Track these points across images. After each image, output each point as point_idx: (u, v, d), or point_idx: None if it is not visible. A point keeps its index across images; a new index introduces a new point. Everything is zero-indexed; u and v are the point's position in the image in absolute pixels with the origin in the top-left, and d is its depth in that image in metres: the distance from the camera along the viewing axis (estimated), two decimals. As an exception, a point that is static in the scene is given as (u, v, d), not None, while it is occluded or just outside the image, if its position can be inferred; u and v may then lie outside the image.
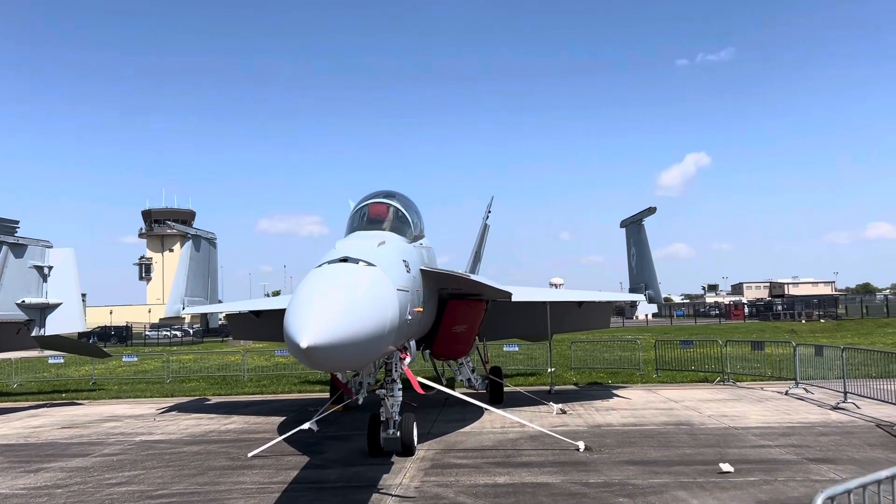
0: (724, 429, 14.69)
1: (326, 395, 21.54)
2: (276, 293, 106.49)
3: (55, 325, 22.11)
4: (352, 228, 12.29)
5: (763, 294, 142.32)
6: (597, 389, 22.49)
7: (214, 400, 23.25)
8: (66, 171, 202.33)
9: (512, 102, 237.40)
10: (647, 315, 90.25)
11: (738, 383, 22.60)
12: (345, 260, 8.79)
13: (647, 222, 20.34)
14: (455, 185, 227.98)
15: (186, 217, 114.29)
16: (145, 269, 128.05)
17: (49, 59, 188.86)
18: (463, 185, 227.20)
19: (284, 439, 14.19)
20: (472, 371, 19.40)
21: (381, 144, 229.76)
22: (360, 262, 8.79)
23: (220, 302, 22.84)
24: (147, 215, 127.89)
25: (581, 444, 12.83)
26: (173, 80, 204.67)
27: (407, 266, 10.71)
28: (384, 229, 12.06)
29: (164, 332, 79.48)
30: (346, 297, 7.80)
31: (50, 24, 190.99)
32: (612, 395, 20.65)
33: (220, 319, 23.50)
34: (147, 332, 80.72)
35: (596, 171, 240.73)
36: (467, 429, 15.64)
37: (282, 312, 20.34)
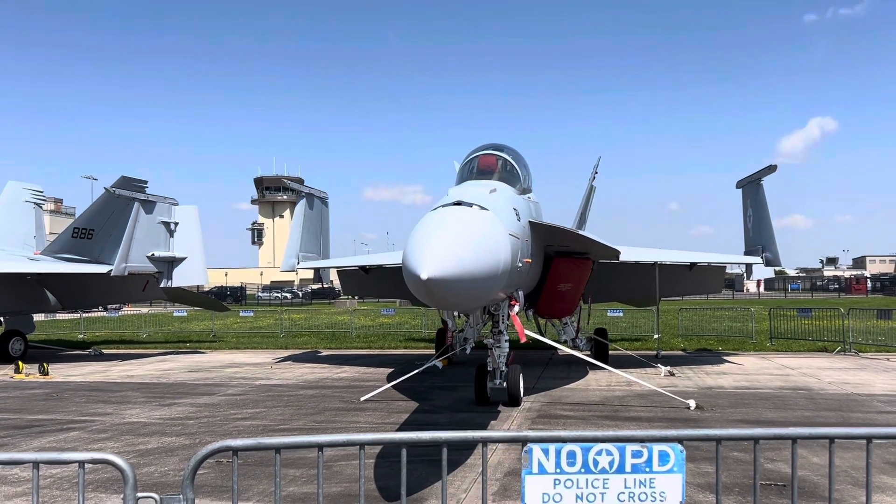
0: (847, 395, 13.98)
1: (430, 351, 22.04)
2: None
3: (181, 278, 23.67)
4: (462, 179, 12.41)
5: (888, 268, 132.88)
6: (706, 355, 21.85)
7: (326, 352, 24.27)
8: (185, 142, 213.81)
9: (620, 60, 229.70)
10: (759, 287, 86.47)
11: (860, 354, 21.36)
12: (458, 204, 8.92)
13: (766, 187, 19.41)
14: (560, 156, 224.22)
15: (286, 184, 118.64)
16: (257, 234, 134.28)
17: (169, 41, 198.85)
18: (567, 156, 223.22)
19: (393, 387, 14.68)
20: (577, 331, 19.28)
21: (481, 115, 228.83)
22: (474, 206, 8.89)
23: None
24: (259, 183, 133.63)
25: (692, 403, 12.57)
26: (284, 58, 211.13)
27: (517, 214, 10.73)
28: (494, 180, 12.10)
29: (276, 294, 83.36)
30: (463, 236, 7.94)
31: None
32: (722, 361, 20.03)
33: (330, 280, 24.35)
34: (259, 294, 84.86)
35: (708, 138, 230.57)
36: (572, 385, 15.64)
37: (388, 269, 20.94)
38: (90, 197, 75.71)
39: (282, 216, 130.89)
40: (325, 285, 26.82)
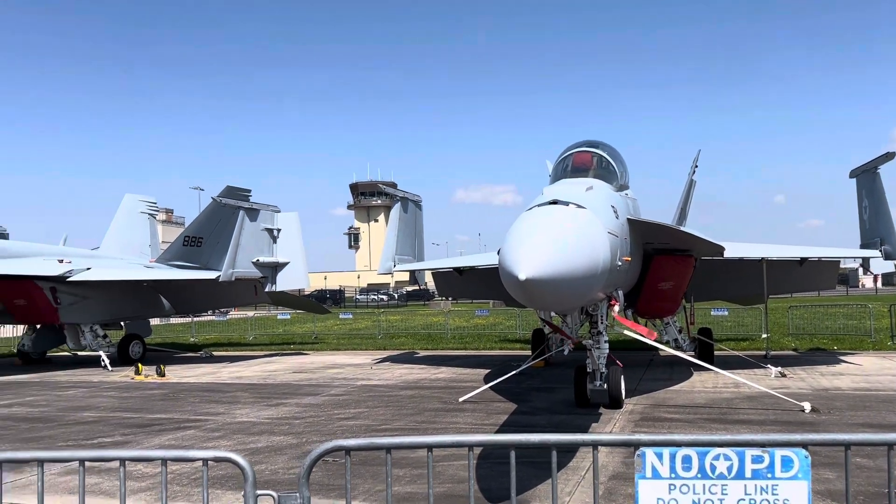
0: (984, 398, 12.88)
1: (526, 352, 21.93)
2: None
3: (284, 282, 24.55)
4: (556, 177, 12.25)
5: None
6: (820, 355, 20.68)
7: (422, 353, 24.57)
8: (284, 151, 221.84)
9: (719, 49, 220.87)
10: (876, 283, 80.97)
11: None
12: (555, 202, 8.81)
13: (883, 176, 18.15)
14: (657, 150, 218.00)
15: (382, 189, 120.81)
16: (354, 239, 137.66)
17: (263, 52, 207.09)
18: (665, 150, 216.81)
19: (491, 388, 14.67)
20: (679, 331, 18.67)
21: (573, 113, 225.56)
22: (571, 205, 8.75)
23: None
24: (354, 188, 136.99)
25: (806, 405, 11.91)
26: (375, 63, 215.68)
27: (615, 212, 10.50)
28: (590, 177, 11.89)
29: (372, 296, 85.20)
30: (561, 236, 7.83)
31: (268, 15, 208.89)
32: (838, 361, 18.90)
33: (425, 281, 24.68)
34: (357, 296, 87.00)
35: (816, 126, 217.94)
36: (676, 387, 15.15)
37: (481, 270, 20.92)
38: (198, 207, 79.84)
39: (376, 220, 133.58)
40: (421, 287, 27.16)
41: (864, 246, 18.63)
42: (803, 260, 18.73)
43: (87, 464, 3.59)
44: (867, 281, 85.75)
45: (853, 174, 19.57)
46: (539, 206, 8.87)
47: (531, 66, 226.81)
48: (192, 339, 32.73)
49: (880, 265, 18.01)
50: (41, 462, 3.59)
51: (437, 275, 23.51)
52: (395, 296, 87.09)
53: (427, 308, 63.19)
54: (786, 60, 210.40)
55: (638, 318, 18.64)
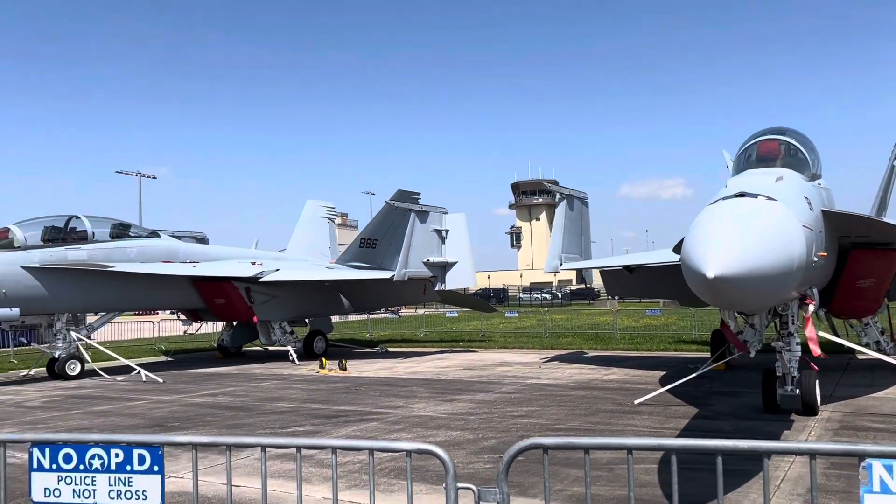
0: None
1: (703, 354, 20.87)
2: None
3: (453, 281, 25.17)
4: (739, 168, 11.54)
5: None
6: None
7: (591, 353, 24.16)
8: (445, 152, 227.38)
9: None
10: None
11: None
12: (742, 195, 8.31)
13: None
14: (847, 136, 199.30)
15: (546, 187, 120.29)
16: (516, 238, 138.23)
17: (427, 63, 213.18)
18: (857, 136, 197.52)
19: (668, 391, 14.12)
20: (882, 333, 16.93)
21: (749, 98, 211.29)
22: (760, 197, 8.21)
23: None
24: (515, 188, 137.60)
25: None
26: (535, 63, 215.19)
27: (809, 203, 9.71)
28: (778, 167, 11.08)
29: (536, 295, 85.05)
30: (751, 230, 7.37)
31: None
32: None
33: (591, 280, 24.24)
34: (520, 295, 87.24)
35: None
36: (879, 394, 13.78)
37: (652, 268, 20.16)
38: (369, 210, 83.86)
39: (538, 219, 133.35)
40: (587, 286, 26.67)
41: None
42: None
43: (277, 451, 3.90)
44: None
45: None
46: (724, 199, 8.41)
47: (701, 55, 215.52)
48: (368, 336, 34.44)
49: None
50: (264, 447, 3.94)
51: (606, 273, 22.97)
52: (559, 295, 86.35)
53: (592, 307, 62.07)
54: None
55: (831, 319, 17.20)
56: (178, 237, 24.71)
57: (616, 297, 56.16)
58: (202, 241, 26.43)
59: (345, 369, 20.32)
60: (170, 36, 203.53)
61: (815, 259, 9.43)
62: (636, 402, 13.40)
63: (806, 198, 9.80)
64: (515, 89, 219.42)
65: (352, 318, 43.23)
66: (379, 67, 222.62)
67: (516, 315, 39.06)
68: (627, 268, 21.34)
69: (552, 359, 22.58)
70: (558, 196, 22.68)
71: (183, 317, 26.23)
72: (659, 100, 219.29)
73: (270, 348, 26.49)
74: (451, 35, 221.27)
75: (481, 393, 15.50)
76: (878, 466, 3.21)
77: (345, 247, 29.40)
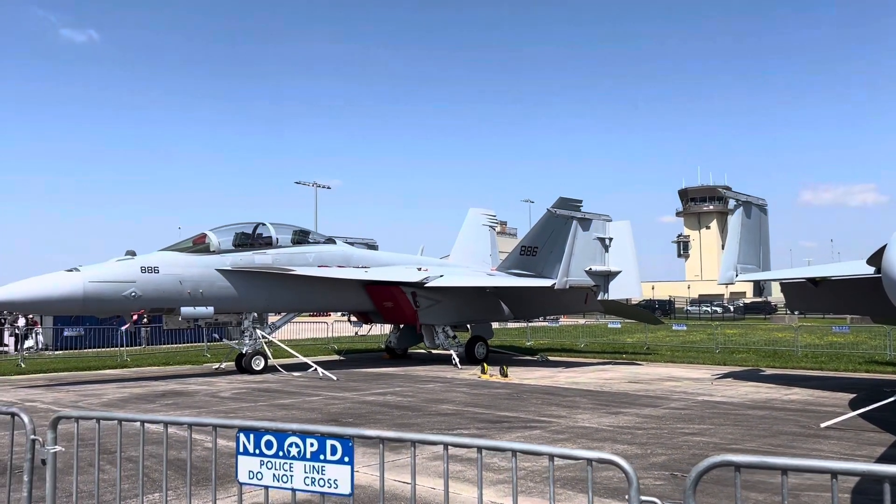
0: None
1: (902, 377, 18.85)
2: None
3: (616, 291, 24.58)
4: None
5: None
6: None
7: (769, 371, 22.58)
8: (609, 158, 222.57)
9: None
10: None
11: None
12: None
13: None
14: None
15: (720, 193, 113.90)
16: (683, 247, 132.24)
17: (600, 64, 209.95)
18: None
19: (860, 415, 12.91)
20: None
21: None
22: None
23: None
24: (683, 194, 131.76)
25: None
26: (700, 62, 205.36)
27: None
28: None
29: (705, 308, 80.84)
30: (970, 240, 6.57)
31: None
32: None
33: (769, 293, 22.65)
34: (688, 307, 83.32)
35: None
36: None
37: (839, 281, 18.56)
38: (528, 218, 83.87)
39: (708, 227, 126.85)
40: (765, 299, 24.93)
41: None
42: None
43: (450, 450, 4.01)
44: None
45: None
46: (934, 206, 7.57)
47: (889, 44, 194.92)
48: (527, 343, 34.45)
49: None
50: (446, 445, 4.07)
51: (787, 286, 21.36)
52: (731, 308, 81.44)
53: (769, 322, 57.98)
54: None
55: None
56: (352, 243, 26.14)
57: (797, 312, 52.09)
58: (372, 247, 27.79)
59: (506, 375, 20.46)
60: (328, 42, 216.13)
61: None
62: (822, 425, 12.36)
63: None
64: (680, 90, 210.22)
65: (511, 325, 43.43)
66: (537, 71, 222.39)
67: (684, 328, 37.29)
68: (812, 280, 19.71)
69: (725, 375, 21.37)
70: (733, 203, 21.46)
71: (354, 318, 27.68)
72: (844, 97, 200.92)
73: (434, 351, 27.27)
74: (610, 35, 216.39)
75: (648, 407, 14.99)
76: None
77: (504, 254, 29.66)
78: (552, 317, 37.81)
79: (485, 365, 21.75)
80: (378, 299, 24.21)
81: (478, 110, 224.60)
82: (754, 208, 21.17)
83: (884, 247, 7.40)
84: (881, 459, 10.02)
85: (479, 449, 3.91)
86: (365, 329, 29.76)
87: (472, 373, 21.76)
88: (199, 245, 21.32)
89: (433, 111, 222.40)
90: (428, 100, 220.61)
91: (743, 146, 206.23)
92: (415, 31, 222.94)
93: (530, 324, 39.44)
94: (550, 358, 27.52)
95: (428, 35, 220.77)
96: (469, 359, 24.60)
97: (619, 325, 37.67)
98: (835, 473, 3.16)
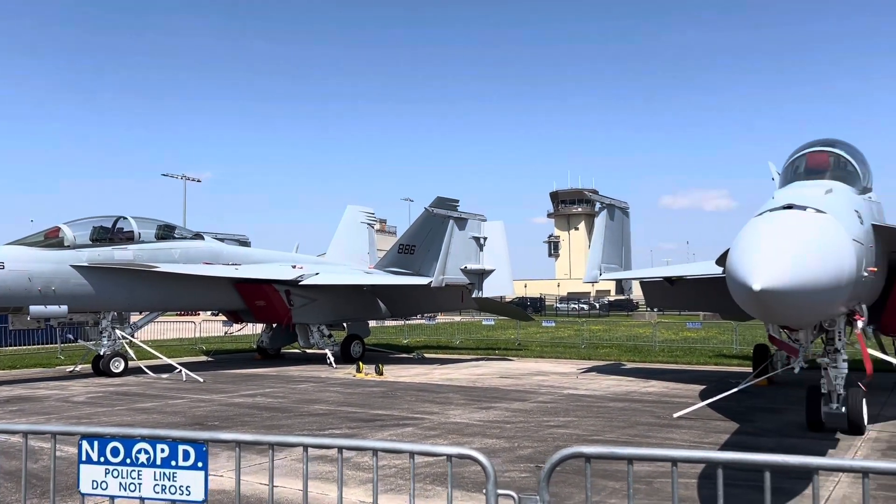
0: None
1: (744, 369, 20.48)
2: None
3: (490, 289, 25.18)
4: (787, 180, 11.32)
5: None
6: None
7: (629, 365, 23.87)
8: (483, 159, 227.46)
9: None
10: None
11: None
12: (789, 207, 8.15)
13: None
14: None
15: (587, 196, 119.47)
16: (554, 247, 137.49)
17: (458, 69, 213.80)
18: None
19: (708, 405, 13.89)
20: (934, 351, 16.38)
21: (799, 105, 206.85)
22: (808, 209, 8.05)
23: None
24: (554, 196, 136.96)
25: None
26: (573, 71, 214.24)
27: (859, 217, 9.48)
28: (827, 179, 10.84)
29: (573, 305, 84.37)
30: (800, 242, 7.23)
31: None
32: None
33: (630, 291, 23.97)
34: (557, 305, 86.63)
35: None
36: (932, 416, 13.32)
37: (694, 280, 19.84)
38: (407, 217, 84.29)
39: (577, 228, 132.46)
40: (625, 296, 26.36)
41: None
42: None
43: (315, 452, 3.93)
44: None
45: None
46: (771, 210, 8.26)
47: (740, 62, 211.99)
48: (404, 341, 34.55)
49: None
50: (306, 447, 3.98)
51: (646, 284, 22.67)
52: (597, 305, 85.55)
53: (631, 319, 61.33)
54: None
55: (879, 336, 16.73)
56: (222, 239, 25.16)
57: (655, 309, 55.41)
58: (244, 243, 26.88)
59: (381, 374, 20.41)
60: (212, 36, 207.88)
61: (866, 274, 9.20)
62: (675, 415, 13.20)
63: (856, 211, 9.57)
64: (555, 97, 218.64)
65: (389, 323, 43.42)
66: (418, 72, 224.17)
67: (553, 324, 38.76)
68: (668, 279, 21.03)
69: (589, 369, 22.37)
70: (598, 205, 22.50)
71: (224, 318, 26.65)
72: (702, 109, 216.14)
73: (308, 351, 26.76)
74: (491, 40, 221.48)
75: (517, 401, 15.43)
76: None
77: (383, 252, 29.59)
78: (429, 314, 38.18)
79: (360, 364, 21.59)
80: (250, 298, 23.44)
81: (360, 107, 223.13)
82: (617, 211, 22.28)
83: (727, 250, 8.02)
84: (725, 446, 10.83)
85: (340, 449, 3.85)
86: (235, 329, 28.73)
87: (347, 372, 21.54)
88: (51, 239, 19.76)
89: (313, 107, 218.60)
90: (307, 95, 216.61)
91: (611, 152, 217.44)
92: (292, 23, 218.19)
93: (408, 322, 39.59)
94: (426, 355, 27.73)
95: (308, 28, 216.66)
96: (345, 358, 24.32)
97: (493, 322, 38.57)
98: (675, 461, 3.35)
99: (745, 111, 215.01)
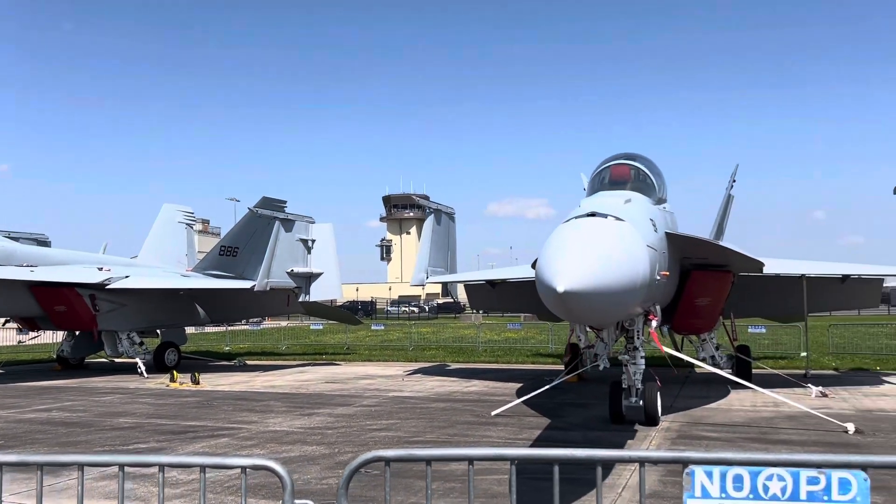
0: None
1: (558, 367, 21.71)
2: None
3: (318, 293, 24.71)
4: (593, 190, 12.15)
5: None
6: (863, 375, 20.12)
7: (454, 366, 24.48)
8: (317, 161, 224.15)
9: (755, 56, 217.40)
10: (919, 302, 78.81)
11: None
12: (593, 215, 8.72)
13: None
14: (693, 163, 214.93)
15: (416, 201, 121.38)
16: (386, 251, 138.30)
17: (296, 63, 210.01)
18: (702, 159, 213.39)
19: (524, 402, 14.54)
20: (717, 348, 18.30)
21: (608, 123, 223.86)
22: (609, 217, 8.66)
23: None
24: (387, 201, 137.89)
25: (850, 426, 11.56)
26: (408, 76, 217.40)
27: (654, 225, 10.36)
28: (628, 190, 11.76)
29: (403, 308, 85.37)
30: (599, 248, 7.74)
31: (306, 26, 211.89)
32: (882, 382, 18.37)
33: (457, 294, 24.63)
34: (388, 308, 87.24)
35: (857, 141, 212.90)
36: (713, 405, 14.84)
37: (514, 283, 20.77)
38: (234, 217, 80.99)
39: (409, 233, 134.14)
40: (452, 299, 27.04)
41: (909, 264, 18.10)
42: (845, 277, 18.28)
43: (125, 469, 3.59)
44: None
45: (898, 190, 19.03)
46: (577, 217, 8.79)
47: (565, 78, 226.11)
48: (226, 348, 33.06)
49: (928, 283, 17.50)
50: (81, 466, 3.59)
51: (470, 287, 23.42)
52: (426, 308, 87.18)
53: (458, 321, 63.06)
54: (823, 70, 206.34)
55: (674, 335, 18.40)
56: (16, 239, 22.67)
57: (480, 311, 57.45)
58: (43, 243, 24.37)
59: (197, 383, 19.33)
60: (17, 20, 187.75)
61: (658, 277, 10.05)
62: (493, 413, 13.66)
63: (651, 220, 10.44)
64: (390, 100, 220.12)
65: (209, 329, 41.37)
66: (246, 66, 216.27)
67: (382, 328, 38.91)
68: (490, 282, 21.87)
69: (415, 371, 22.65)
70: (427, 210, 22.93)
71: (17, 325, 23.98)
72: (527, 118, 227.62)
73: (117, 360, 24.83)
74: (325, 41, 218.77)
75: (341, 406, 15.24)
76: (700, 473, 3.40)
77: (205, 254, 28.13)
78: (254, 319, 36.79)
79: (174, 373, 20.31)
80: (48, 303, 21.28)
81: (187, 101, 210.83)
82: (444, 216, 22.83)
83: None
84: (537, 441, 11.36)
85: (121, 466, 3.51)
86: (31, 337, 25.96)
87: (160, 382, 20.17)
88: None
89: (130, 97, 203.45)
90: (122, 86, 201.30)
91: (443, 159, 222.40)
92: (105, 13, 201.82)
93: (230, 327, 37.96)
94: (249, 362, 26.72)
95: (115, 18, 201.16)
96: (158, 367, 22.76)
97: (322, 327, 37.99)
98: (471, 460, 3.39)
99: (562, 124, 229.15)
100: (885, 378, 19.10)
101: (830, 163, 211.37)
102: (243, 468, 3.48)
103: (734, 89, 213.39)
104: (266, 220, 23.93)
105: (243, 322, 35.50)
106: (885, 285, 23.51)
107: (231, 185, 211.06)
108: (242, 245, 26.11)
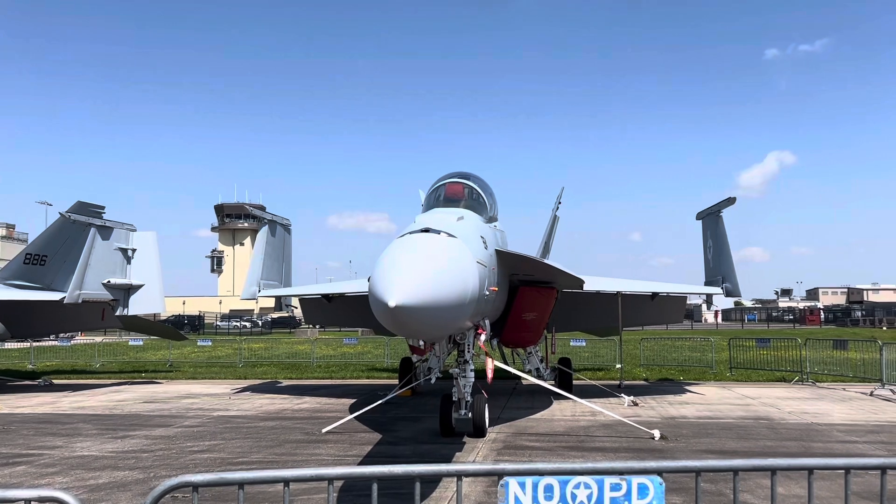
0: (807, 424, 14.14)
1: (393, 381, 21.79)
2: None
3: (137, 306, 23.01)
4: (429, 206, 12.38)
5: (840, 300, 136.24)
6: (668, 385, 21.99)
7: (286, 383, 23.80)
8: (142, 167, 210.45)
9: (583, 98, 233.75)
10: (717, 318, 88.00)
11: (817, 383, 21.72)
12: (426, 231, 8.85)
13: (725, 218, 19.72)
14: (523, 185, 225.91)
15: (250, 211, 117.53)
16: (217, 262, 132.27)
17: (125, 63, 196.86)
18: (530, 185, 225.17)
19: (356, 418, 14.41)
20: (541, 361, 19.24)
21: (447, 142, 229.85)
22: (442, 233, 8.84)
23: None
24: (219, 210, 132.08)
25: (656, 433, 12.56)
26: (245, 82, 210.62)
27: (484, 242, 10.71)
28: (461, 208, 12.09)
29: (235, 323, 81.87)
30: (431, 264, 7.86)
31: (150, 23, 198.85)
32: (684, 391, 20.17)
33: (292, 306, 23.98)
34: (218, 323, 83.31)
35: (669, 171, 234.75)
36: (537, 415, 15.54)
37: (351, 297, 20.64)
38: (45, 223, 73.91)
39: (242, 244, 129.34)
40: (287, 314, 26.29)
41: (708, 283, 20.09)
42: (654, 294, 19.93)
43: None
44: (709, 316, 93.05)
45: (699, 216, 21.13)
46: (411, 233, 8.88)
47: (405, 93, 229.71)
48: (29, 366, 29.93)
49: (721, 301, 19.53)
50: None
51: (305, 301, 22.93)
52: (260, 323, 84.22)
53: (293, 336, 61.56)
54: (641, 105, 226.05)
55: (503, 348, 19.10)
56: None
57: (316, 326, 56.50)
58: None
59: (-8, 405, 17.31)
60: None
61: (487, 293, 10.40)
62: (324, 430, 13.41)
63: (482, 237, 10.79)
64: (223, 106, 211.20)
65: (10, 345, 37.29)
66: (76, 61, 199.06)
67: (210, 343, 36.97)
68: (326, 296, 21.54)
69: (244, 389, 21.75)
70: (262, 221, 22.19)
71: None
72: (370, 135, 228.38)
73: None
74: (160, 39, 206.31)
75: (160, 428, 14.27)
76: (513, 484, 3.51)
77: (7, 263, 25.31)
78: (65, 334, 33.69)
79: (-36, 394, 18.06)
80: None
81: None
82: (279, 227, 22.21)
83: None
84: (367, 457, 11.27)
85: None
86: None
87: (-56, 405, 17.84)
88: None
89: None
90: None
91: (281, 171, 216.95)
92: None
93: (36, 343, 34.44)
94: (56, 381, 24.35)
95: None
96: (-57, 388, 20.14)
97: (142, 343, 35.43)
98: (286, 481, 3.27)
99: (402, 141, 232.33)
100: (686, 387, 20.99)
101: (645, 190, 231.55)
102: (28, 501, 3.11)
103: (566, 115, 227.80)
104: (81, 226, 21.98)
105: (52, 337, 32.38)
106: (688, 302, 25.94)
107: (44, 188, 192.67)
108: (52, 253, 23.73)
